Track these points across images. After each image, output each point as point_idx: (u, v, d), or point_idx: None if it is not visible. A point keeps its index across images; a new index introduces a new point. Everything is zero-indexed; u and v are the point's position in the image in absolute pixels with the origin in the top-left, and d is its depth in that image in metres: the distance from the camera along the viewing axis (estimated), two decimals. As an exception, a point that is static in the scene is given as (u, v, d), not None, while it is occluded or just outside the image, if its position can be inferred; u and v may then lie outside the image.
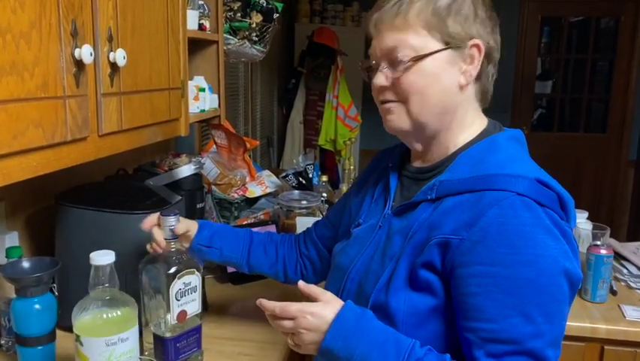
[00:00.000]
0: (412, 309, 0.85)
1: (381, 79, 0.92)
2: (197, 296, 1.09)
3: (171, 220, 1.08)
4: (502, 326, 0.78)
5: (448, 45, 0.88)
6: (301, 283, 0.90)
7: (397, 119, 0.93)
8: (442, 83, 0.90)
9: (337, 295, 0.96)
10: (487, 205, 0.81)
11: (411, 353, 0.80)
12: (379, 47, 0.92)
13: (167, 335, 1.07)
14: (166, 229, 1.09)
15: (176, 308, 1.06)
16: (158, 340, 1.08)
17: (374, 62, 0.94)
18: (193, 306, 1.09)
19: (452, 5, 0.88)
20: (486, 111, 0.99)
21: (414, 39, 0.88)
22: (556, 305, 0.80)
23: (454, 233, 0.82)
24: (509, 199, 0.80)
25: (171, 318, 1.06)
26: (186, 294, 1.07)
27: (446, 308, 0.85)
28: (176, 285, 1.05)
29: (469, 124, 0.94)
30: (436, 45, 0.88)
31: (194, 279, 1.08)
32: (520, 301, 0.78)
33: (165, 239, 1.09)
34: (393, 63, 0.90)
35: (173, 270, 1.05)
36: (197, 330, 1.12)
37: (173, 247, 1.09)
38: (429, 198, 0.89)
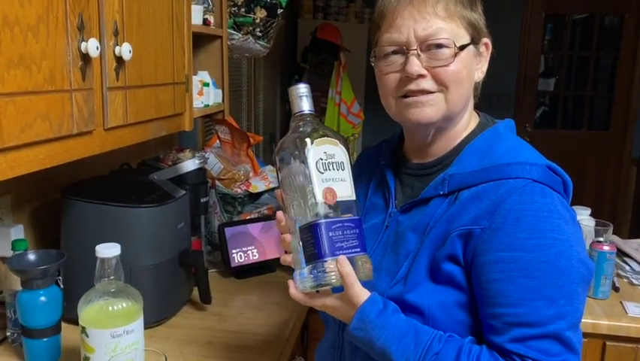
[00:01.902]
0: (439, 302, 0.85)
1: (417, 66, 0.86)
2: (347, 177, 0.83)
3: (302, 89, 0.84)
4: (527, 310, 0.79)
5: (472, 40, 0.90)
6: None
7: (434, 111, 0.89)
8: (471, 75, 0.91)
9: None
10: (507, 193, 0.82)
11: (429, 348, 0.81)
12: (418, 30, 0.86)
13: (316, 219, 0.79)
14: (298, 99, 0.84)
15: (319, 183, 0.79)
16: (306, 231, 0.79)
17: (405, 47, 0.87)
18: (343, 188, 0.82)
19: (476, 1, 0.90)
20: (489, 108, 0.99)
21: (454, 29, 0.87)
22: (574, 287, 0.81)
23: (475, 223, 0.83)
24: (528, 186, 0.82)
25: (316, 196, 0.79)
26: (331, 168, 0.81)
27: (472, 300, 0.85)
28: (314, 152, 0.80)
29: (469, 118, 0.96)
30: (467, 38, 0.89)
31: (337, 152, 0.82)
32: (542, 284, 0.79)
33: (297, 113, 0.84)
34: (433, 50, 0.86)
35: (305, 132, 0.82)
36: (356, 224, 0.82)
37: (309, 119, 0.84)
38: (441, 193, 0.89)
